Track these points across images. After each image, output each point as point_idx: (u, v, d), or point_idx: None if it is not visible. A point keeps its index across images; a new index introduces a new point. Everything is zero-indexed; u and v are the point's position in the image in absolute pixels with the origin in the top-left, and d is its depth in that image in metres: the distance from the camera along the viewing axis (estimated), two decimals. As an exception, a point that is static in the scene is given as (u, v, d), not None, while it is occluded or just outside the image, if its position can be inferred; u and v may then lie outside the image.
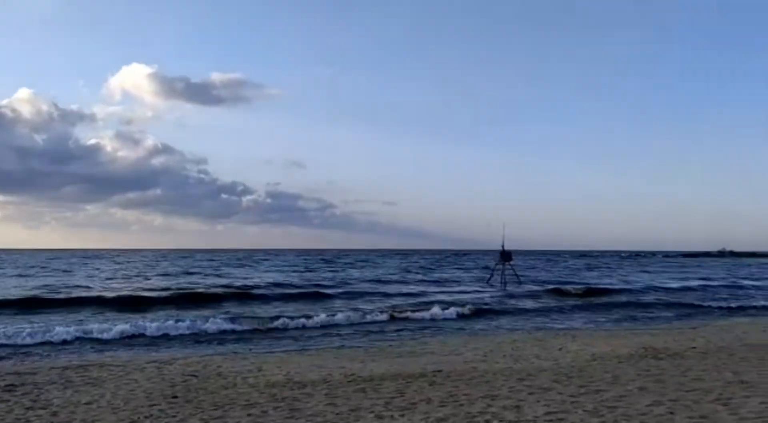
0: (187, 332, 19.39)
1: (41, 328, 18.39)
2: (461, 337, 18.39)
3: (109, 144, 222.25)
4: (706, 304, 30.05)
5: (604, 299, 32.29)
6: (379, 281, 44.32)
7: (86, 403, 9.67)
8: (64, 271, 59.14)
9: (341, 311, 24.17)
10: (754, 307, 28.94)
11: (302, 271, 58.95)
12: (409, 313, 24.12)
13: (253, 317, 22.25)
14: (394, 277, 48.69)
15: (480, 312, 25.62)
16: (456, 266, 74.08)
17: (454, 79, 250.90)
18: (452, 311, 24.75)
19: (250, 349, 16.23)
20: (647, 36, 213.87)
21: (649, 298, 33.43)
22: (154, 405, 9.48)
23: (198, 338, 18.50)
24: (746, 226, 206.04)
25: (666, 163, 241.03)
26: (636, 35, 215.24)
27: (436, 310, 24.62)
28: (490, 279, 44.55)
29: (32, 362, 14.08)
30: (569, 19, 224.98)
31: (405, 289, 36.98)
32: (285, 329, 20.84)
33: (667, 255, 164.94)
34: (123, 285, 38.16)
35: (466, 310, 25.20)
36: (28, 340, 17.15)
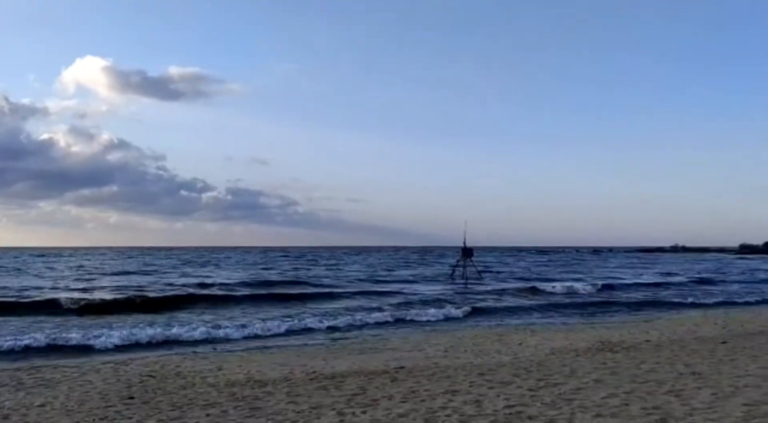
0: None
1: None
2: (423, 333, 18.56)
3: (62, 139, 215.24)
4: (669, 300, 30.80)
5: (563, 298, 32.80)
6: (346, 279, 44.33)
7: (39, 406, 9.46)
8: (17, 270, 57.63)
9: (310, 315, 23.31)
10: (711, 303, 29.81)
11: (263, 269, 58.55)
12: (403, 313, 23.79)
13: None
14: (361, 275, 48.65)
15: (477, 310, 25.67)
16: (420, 263, 74.87)
17: (421, 74, 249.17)
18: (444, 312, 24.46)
19: (214, 349, 16.07)
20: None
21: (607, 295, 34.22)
22: (110, 406, 9.30)
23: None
24: (696, 222, 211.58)
25: (626, 159, 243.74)
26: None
27: (433, 311, 24.41)
28: (452, 274, 45.76)
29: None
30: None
31: (372, 287, 36.91)
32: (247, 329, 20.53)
33: (628, 250, 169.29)
34: (82, 286, 37.07)
35: (460, 312, 24.65)
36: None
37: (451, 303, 27.43)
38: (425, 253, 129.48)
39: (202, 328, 18.91)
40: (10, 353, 14.94)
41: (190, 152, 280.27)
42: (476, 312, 24.99)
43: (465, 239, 42.45)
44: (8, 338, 16.44)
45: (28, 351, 15.29)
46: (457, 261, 45.48)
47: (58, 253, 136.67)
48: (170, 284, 36.55)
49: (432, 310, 24.34)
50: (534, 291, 35.79)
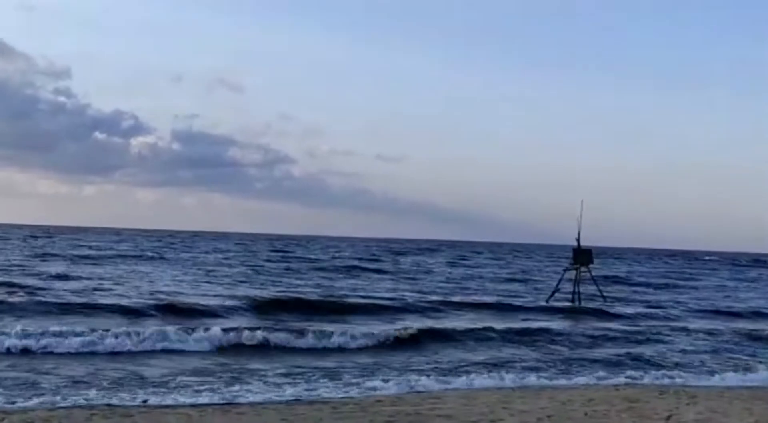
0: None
1: None
2: (498, 391, 11.83)
3: None
4: None
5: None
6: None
7: None
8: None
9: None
10: None
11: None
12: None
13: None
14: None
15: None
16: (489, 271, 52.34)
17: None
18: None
19: (144, 402, 10.51)
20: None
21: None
22: None
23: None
24: None
25: None
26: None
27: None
28: (553, 294, 29.34)
29: None
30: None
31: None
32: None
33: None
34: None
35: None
36: None
37: (555, 340, 19.14)
38: (498, 252, 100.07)
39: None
40: None
41: (110, 66, 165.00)
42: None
43: (579, 234, 26.85)
44: None
45: None
46: (565, 270, 29.58)
47: None
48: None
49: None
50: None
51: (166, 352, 15.50)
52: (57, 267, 35.14)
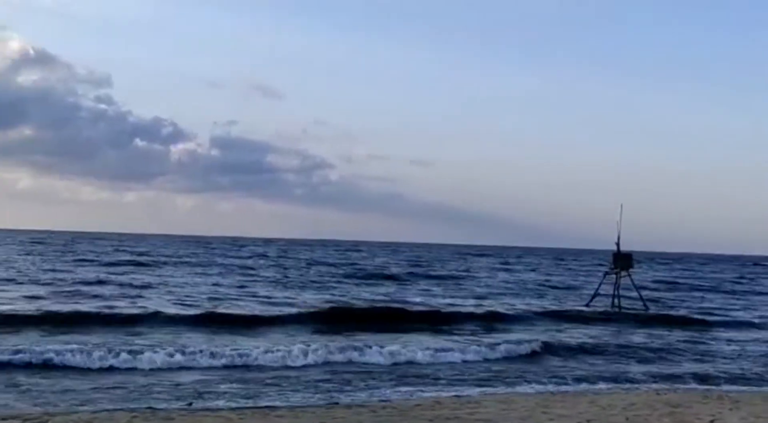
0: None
1: None
2: (537, 396, 11.85)
3: None
4: None
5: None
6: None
7: None
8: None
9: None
10: None
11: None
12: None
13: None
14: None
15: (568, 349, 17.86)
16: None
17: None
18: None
19: (189, 405, 10.74)
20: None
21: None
22: None
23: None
24: None
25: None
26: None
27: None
28: (592, 299, 29.32)
29: None
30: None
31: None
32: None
33: None
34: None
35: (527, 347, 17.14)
36: None
37: (590, 342, 19.17)
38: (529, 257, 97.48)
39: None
40: None
41: (150, 73, 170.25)
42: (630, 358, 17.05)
43: (619, 238, 26.83)
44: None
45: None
46: (605, 275, 29.21)
47: None
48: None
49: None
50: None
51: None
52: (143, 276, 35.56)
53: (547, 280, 46.42)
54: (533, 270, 60.66)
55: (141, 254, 59.54)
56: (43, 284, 29.09)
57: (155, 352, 14.92)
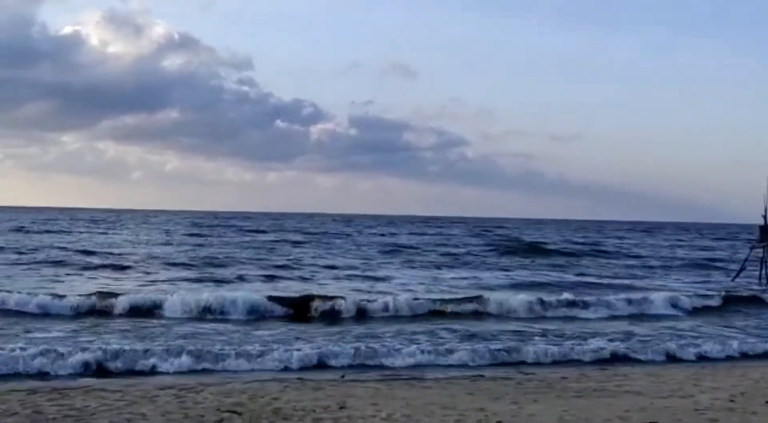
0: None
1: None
2: (688, 367, 12.13)
3: (93, 33, 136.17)
4: None
5: None
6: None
7: None
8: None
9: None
10: None
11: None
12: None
13: None
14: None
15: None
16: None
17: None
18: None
19: (342, 376, 11.38)
20: None
21: None
22: None
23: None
24: None
25: None
26: None
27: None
28: (738, 274, 28.73)
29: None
30: None
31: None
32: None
33: None
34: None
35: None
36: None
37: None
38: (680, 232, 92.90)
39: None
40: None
41: (290, 56, 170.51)
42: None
43: (766, 210, 26.03)
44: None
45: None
46: (752, 247, 28.53)
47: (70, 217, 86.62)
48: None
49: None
50: None
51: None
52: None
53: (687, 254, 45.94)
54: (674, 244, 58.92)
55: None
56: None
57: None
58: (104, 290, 19.15)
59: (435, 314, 18.66)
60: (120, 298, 17.49)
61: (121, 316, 16.47)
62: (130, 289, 20.24)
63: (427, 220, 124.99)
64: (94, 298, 17.68)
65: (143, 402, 8.41)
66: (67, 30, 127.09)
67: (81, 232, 54.01)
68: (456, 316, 18.55)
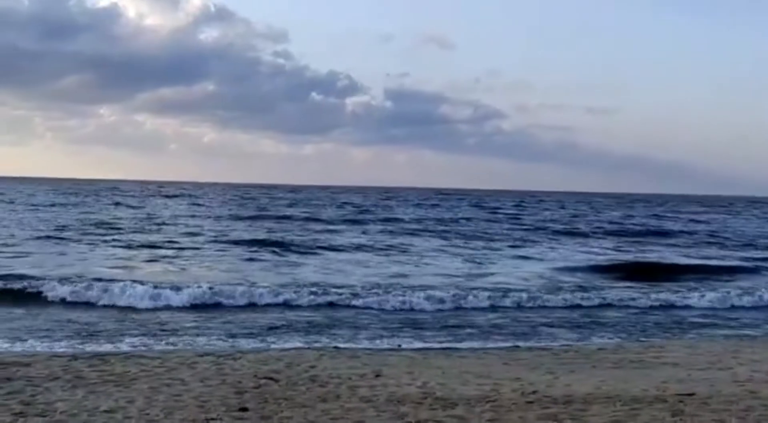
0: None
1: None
2: (727, 340, 12.21)
3: (130, 5, 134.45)
4: None
5: None
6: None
7: (106, 411, 6.95)
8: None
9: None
10: None
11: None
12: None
13: None
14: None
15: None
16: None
17: None
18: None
19: (399, 346, 11.70)
20: None
21: None
22: (212, 420, 6.74)
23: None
24: None
25: None
26: None
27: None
28: None
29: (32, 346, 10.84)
30: None
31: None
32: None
33: None
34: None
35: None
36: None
37: None
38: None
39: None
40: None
41: (325, 28, 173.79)
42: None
43: None
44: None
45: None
46: None
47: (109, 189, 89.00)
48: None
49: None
50: None
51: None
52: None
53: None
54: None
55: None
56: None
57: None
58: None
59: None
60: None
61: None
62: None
63: (469, 194, 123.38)
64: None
65: (182, 368, 8.86)
66: (105, 3, 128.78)
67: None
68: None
